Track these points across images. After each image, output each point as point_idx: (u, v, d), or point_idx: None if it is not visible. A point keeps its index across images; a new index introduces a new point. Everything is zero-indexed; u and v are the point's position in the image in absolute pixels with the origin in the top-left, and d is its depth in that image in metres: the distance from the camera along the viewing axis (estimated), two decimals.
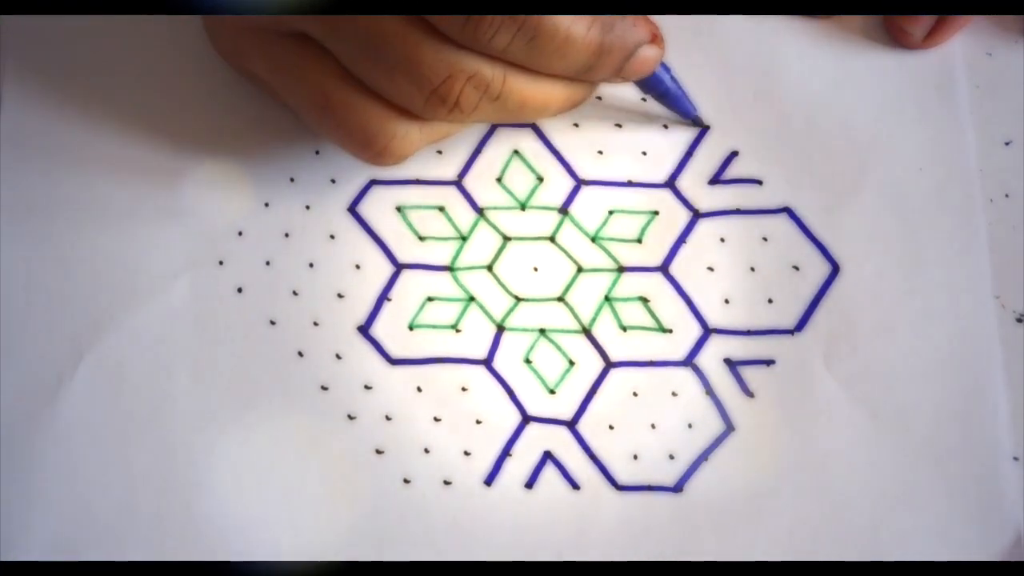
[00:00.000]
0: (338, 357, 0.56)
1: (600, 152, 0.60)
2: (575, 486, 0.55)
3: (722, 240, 0.58)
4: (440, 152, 0.59)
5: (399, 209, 0.58)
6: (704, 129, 0.60)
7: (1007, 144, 0.59)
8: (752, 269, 0.58)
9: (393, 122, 0.53)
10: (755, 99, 0.60)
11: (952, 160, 0.59)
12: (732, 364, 0.56)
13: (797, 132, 0.60)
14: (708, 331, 0.57)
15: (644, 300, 0.57)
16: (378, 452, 0.55)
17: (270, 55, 0.54)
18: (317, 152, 0.59)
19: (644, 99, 0.60)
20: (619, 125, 0.60)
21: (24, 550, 0.53)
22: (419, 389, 0.56)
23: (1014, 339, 0.56)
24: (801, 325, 0.57)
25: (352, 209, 0.58)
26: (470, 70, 0.51)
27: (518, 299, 0.57)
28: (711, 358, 0.56)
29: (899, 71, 0.60)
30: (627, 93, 0.60)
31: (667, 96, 0.58)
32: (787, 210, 0.59)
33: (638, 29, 0.53)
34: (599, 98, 0.60)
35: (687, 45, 0.61)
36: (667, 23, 0.61)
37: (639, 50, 0.53)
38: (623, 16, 0.52)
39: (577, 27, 0.51)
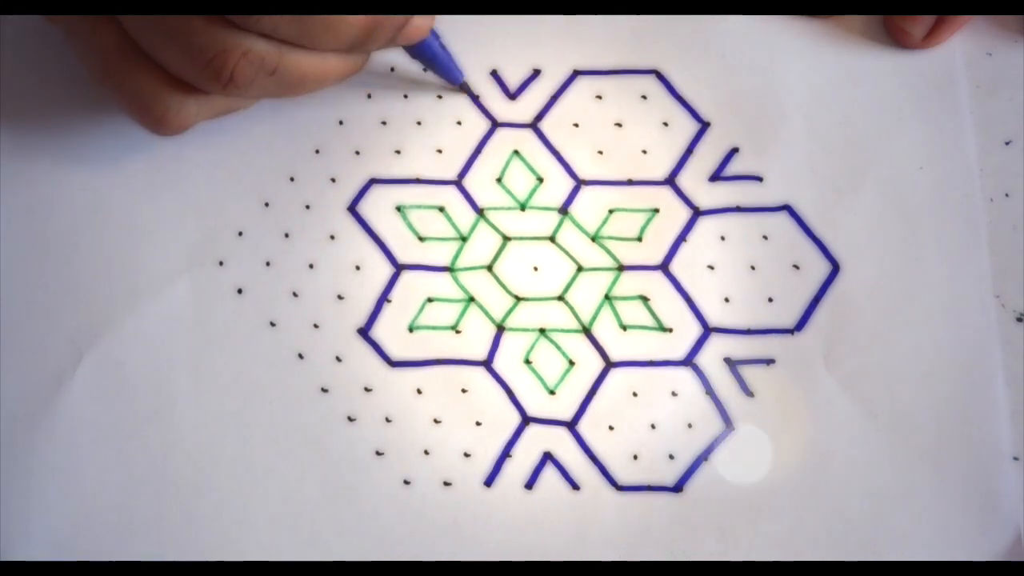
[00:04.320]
0: (338, 359, 0.56)
1: (600, 152, 0.60)
2: (575, 486, 0.55)
3: (722, 238, 0.58)
4: (440, 152, 0.59)
5: (399, 209, 0.58)
6: (704, 126, 0.60)
7: (1007, 144, 0.59)
8: (752, 268, 0.58)
9: (170, 92, 0.53)
10: (755, 97, 0.60)
11: (952, 159, 0.59)
12: (732, 363, 0.56)
13: (797, 131, 0.60)
14: (708, 330, 0.57)
15: (644, 299, 0.57)
16: (378, 454, 0.55)
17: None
18: (317, 151, 0.59)
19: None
20: (619, 124, 0.60)
21: (24, 550, 0.53)
22: (419, 391, 0.56)
23: (1014, 339, 0.56)
24: (801, 324, 0.57)
25: (352, 208, 0.58)
26: (244, 46, 0.51)
27: (518, 299, 0.57)
28: (711, 358, 0.56)
29: (899, 71, 0.60)
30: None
31: (435, 61, 0.59)
32: (787, 208, 0.58)
33: None
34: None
35: (687, 44, 0.61)
36: (668, 22, 0.61)
37: (411, 20, 0.54)
38: None
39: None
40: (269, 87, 0.53)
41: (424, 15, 0.54)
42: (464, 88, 0.60)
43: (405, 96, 0.60)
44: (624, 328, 0.57)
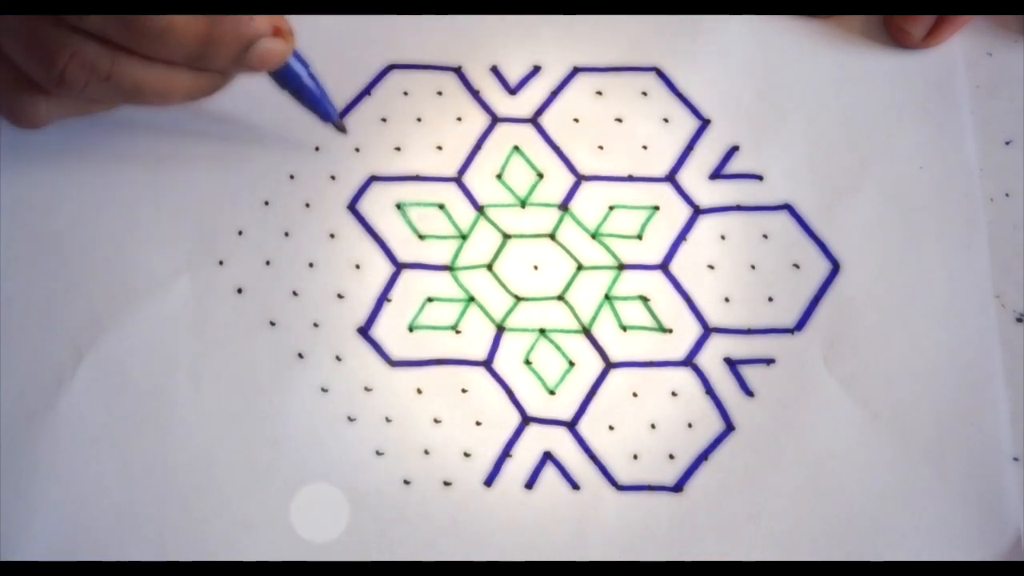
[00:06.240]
0: (338, 359, 0.56)
1: (600, 147, 0.60)
2: (575, 486, 0.54)
3: (722, 237, 0.58)
4: (440, 148, 0.59)
5: (399, 207, 0.58)
6: (704, 123, 0.60)
7: (1007, 144, 0.59)
8: (752, 267, 0.58)
9: (20, 89, 0.53)
10: (756, 97, 0.60)
11: (952, 159, 0.59)
12: (732, 363, 0.56)
13: (797, 130, 0.60)
14: (708, 330, 0.57)
15: (644, 299, 0.57)
16: (378, 453, 0.55)
17: None
18: (317, 148, 0.59)
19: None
20: (619, 120, 0.60)
21: (24, 550, 0.53)
22: (419, 391, 0.56)
23: (1014, 339, 0.56)
24: (801, 324, 0.57)
25: (352, 207, 0.58)
26: (72, 47, 0.51)
27: (518, 299, 0.57)
28: (711, 357, 0.56)
29: (899, 71, 0.61)
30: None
31: (302, 93, 0.57)
32: (788, 207, 0.58)
33: (255, 22, 0.52)
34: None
35: (688, 43, 0.61)
36: (668, 22, 0.61)
37: (259, 42, 0.53)
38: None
39: (179, 16, 0.50)
40: (106, 93, 0.53)
41: (278, 39, 0.53)
42: (338, 127, 0.59)
43: (405, 93, 0.60)
44: (624, 328, 0.57)
